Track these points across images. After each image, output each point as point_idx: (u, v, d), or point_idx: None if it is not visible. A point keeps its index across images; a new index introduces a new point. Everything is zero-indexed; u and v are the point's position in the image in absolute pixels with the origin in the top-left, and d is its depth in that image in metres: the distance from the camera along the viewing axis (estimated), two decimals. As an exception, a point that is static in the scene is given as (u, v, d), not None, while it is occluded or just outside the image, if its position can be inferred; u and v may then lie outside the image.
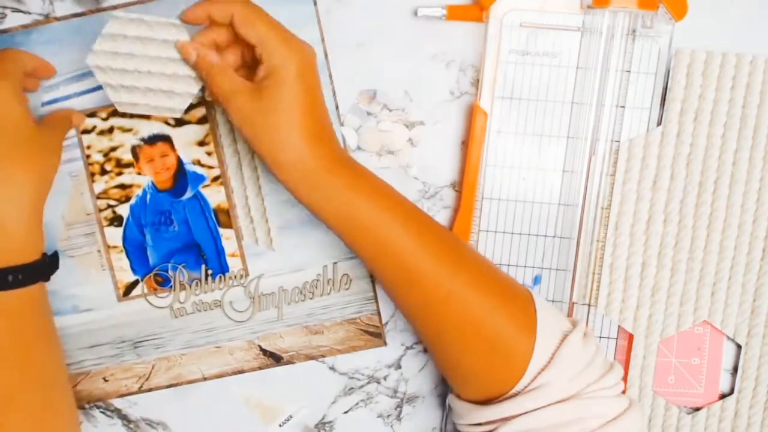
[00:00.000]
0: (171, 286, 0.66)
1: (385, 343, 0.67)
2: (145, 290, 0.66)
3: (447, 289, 0.55)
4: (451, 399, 0.61)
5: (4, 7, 0.62)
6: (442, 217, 0.65)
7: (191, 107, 0.64)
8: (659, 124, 0.63)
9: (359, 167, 0.57)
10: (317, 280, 0.66)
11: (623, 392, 0.57)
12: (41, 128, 0.58)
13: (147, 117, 0.64)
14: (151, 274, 0.66)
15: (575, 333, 0.55)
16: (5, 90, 0.55)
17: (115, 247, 0.65)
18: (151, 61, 0.56)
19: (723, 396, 0.66)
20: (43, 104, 0.63)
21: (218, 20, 0.55)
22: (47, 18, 0.62)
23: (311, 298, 0.66)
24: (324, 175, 0.54)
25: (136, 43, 0.56)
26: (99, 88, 0.62)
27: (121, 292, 0.66)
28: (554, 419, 0.54)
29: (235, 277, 0.66)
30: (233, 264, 0.66)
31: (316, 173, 0.54)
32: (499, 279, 0.57)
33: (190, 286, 0.66)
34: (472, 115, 0.63)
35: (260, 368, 0.67)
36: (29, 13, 0.62)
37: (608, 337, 0.65)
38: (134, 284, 0.66)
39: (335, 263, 0.66)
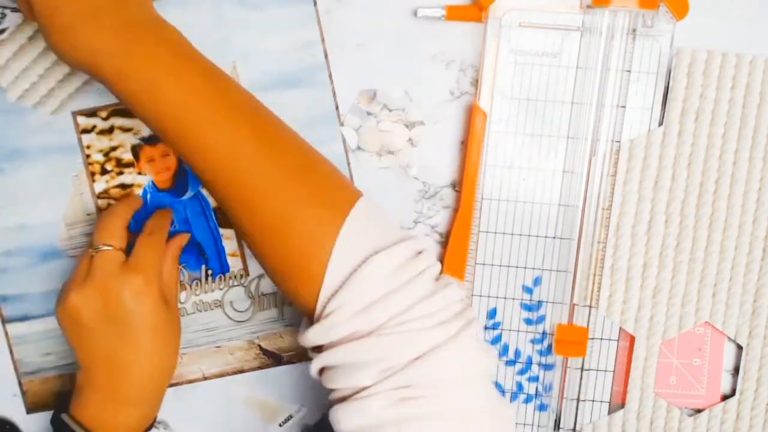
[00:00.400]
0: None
1: (385, 344, 0.67)
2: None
3: (251, 181, 0.49)
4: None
5: (4, 7, 0.63)
6: (442, 217, 0.65)
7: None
8: (660, 124, 0.63)
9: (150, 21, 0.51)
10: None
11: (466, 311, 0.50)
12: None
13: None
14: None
15: (384, 254, 0.48)
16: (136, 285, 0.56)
17: (115, 246, 0.65)
18: None
19: (725, 397, 0.66)
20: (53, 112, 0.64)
21: None
22: (47, 18, 0.63)
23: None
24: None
25: None
26: (97, 84, 0.63)
27: (123, 291, 0.66)
28: (350, 357, 0.48)
29: (236, 276, 0.66)
30: (233, 263, 0.66)
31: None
32: (317, 177, 0.51)
33: (191, 286, 0.66)
34: (471, 115, 0.63)
35: (260, 368, 0.67)
36: (29, 14, 0.63)
37: (609, 339, 0.65)
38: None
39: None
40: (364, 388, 0.48)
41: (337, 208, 0.50)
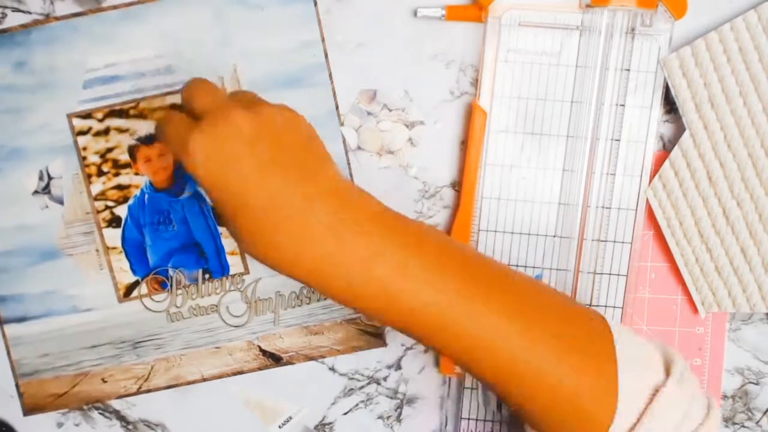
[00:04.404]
0: (168, 287, 0.66)
1: (385, 344, 0.66)
2: (145, 291, 0.66)
3: (512, 358, 0.46)
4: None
5: (5, 7, 0.63)
6: (441, 217, 0.65)
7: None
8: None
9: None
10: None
11: None
12: None
13: (143, 117, 0.64)
14: (151, 276, 0.66)
15: (669, 384, 0.47)
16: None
17: (114, 248, 0.65)
18: None
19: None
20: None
21: None
22: (47, 18, 0.63)
23: (308, 303, 0.66)
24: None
25: None
26: (96, 87, 0.63)
27: (122, 293, 0.66)
28: None
29: (233, 280, 0.65)
30: (233, 262, 0.65)
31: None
32: (566, 326, 0.48)
33: (187, 290, 0.65)
34: (471, 115, 0.63)
35: (260, 369, 0.67)
36: (29, 13, 0.63)
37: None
38: (134, 285, 0.66)
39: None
40: None
41: (603, 353, 0.48)
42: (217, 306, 0.66)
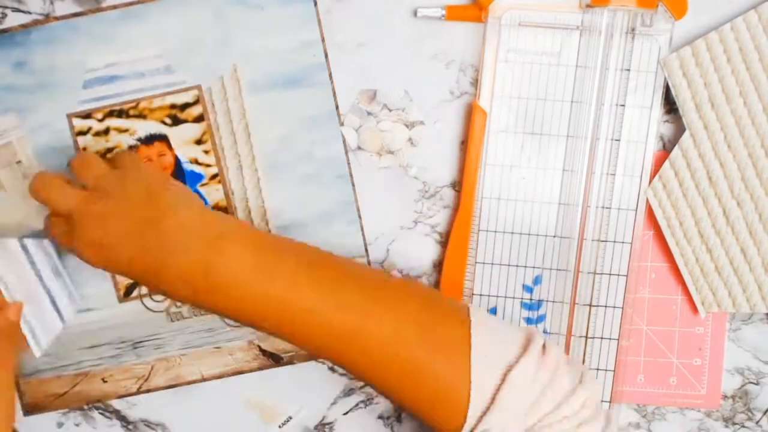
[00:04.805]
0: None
1: (385, 344, 0.67)
2: (145, 291, 0.66)
3: (361, 338, 0.52)
4: None
5: (4, 7, 0.63)
6: (441, 217, 0.65)
7: (187, 106, 0.64)
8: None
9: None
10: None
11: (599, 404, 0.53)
12: None
13: (143, 117, 0.64)
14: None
15: (521, 364, 0.50)
16: None
17: (114, 247, 0.65)
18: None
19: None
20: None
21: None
22: (47, 17, 0.63)
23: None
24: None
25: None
26: (96, 87, 0.63)
27: (122, 293, 0.66)
28: None
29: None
30: (233, 264, 0.65)
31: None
32: (424, 313, 0.53)
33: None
34: (471, 115, 0.63)
35: (260, 369, 0.67)
36: (29, 13, 0.63)
37: (610, 339, 0.65)
38: (134, 285, 0.66)
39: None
40: None
41: (459, 339, 0.51)
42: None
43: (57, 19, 0.63)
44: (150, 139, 0.64)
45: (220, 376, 0.67)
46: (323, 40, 0.64)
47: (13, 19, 0.63)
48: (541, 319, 0.65)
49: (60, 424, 0.67)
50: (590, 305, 0.64)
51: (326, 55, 0.64)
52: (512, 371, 0.50)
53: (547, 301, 0.64)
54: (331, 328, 0.52)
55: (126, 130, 0.64)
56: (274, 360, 0.66)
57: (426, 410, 0.52)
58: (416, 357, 0.51)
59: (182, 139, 0.64)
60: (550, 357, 0.52)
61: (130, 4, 0.63)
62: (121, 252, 0.53)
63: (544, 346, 0.52)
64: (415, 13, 0.63)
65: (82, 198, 0.54)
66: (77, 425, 0.67)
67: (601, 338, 0.65)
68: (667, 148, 0.65)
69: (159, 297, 0.66)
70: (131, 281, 0.65)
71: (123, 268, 0.54)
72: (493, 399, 0.50)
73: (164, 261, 0.52)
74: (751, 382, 0.67)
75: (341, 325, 0.52)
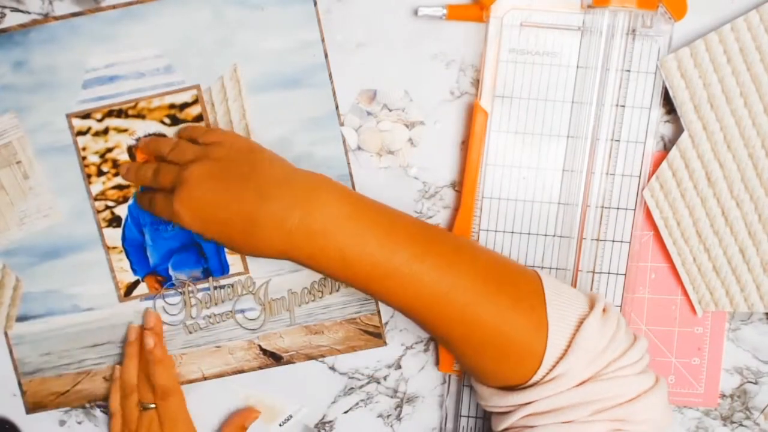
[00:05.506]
0: (171, 285, 0.66)
1: (385, 343, 0.67)
2: (146, 291, 0.66)
3: (448, 297, 0.54)
4: (473, 381, 0.60)
5: (4, 7, 0.62)
6: (442, 217, 0.65)
7: (186, 105, 0.64)
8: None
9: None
10: (324, 278, 0.66)
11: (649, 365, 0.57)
12: None
13: (142, 117, 0.64)
14: (150, 276, 0.66)
15: (592, 316, 0.54)
16: None
17: (114, 247, 0.65)
18: None
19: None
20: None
21: None
22: (46, 17, 0.62)
23: (321, 297, 0.66)
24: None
25: None
26: (96, 87, 0.63)
27: (122, 292, 0.66)
28: (571, 401, 0.54)
29: (243, 286, 0.66)
30: (233, 261, 0.66)
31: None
32: (502, 274, 0.56)
33: (201, 301, 0.66)
34: (472, 115, 0.63)
35: (260, 368, 0.67)
36: (28, 13, 0.62)
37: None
38: (135, 284, 0.66)
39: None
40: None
41: (534, 294, 0.55)
42: (232, 311, 0.66)
43: (56, 18, 0.62)
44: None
45: (220, 375, 0.67)
46: (323, 40, 0.63)
47: (12, 19, 0.63)
48: (540, 319, 0.65)
49: (62, 422, 0.68)
50: (590, 305, 0.64)
51: (326, 55, 0.64)
52: (584, 323, 0.54)
53: (556, 280, 0.64)
54: (422, 287, 0.54)
55: (125, 130, 0.64)
56: (275, 359, 0.67)
57: (501, 361, 0.55)
58: (499, 311, 0.54)
59: (182, 140, 0.64)
60: (612, 314, 0.56)
61: (130, 3, 0.62)
62: (220, 207, 0.55)
63: (604, 307, 0.56)
64: (415, 13, 0.62)
65: (186, 166, 0.57)
66: (79, 423, 0.68)
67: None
68: (667, 148, 0.65)
69: (173, 310, 0.66)
70: (131, 281, 0.65)
71: (220, 226, 0.56)
72: (569, 345, 0.54)
73: (260, 208, 0.54)
74: (750, 382, 0.67)
75: (433, 285, 0.54)
